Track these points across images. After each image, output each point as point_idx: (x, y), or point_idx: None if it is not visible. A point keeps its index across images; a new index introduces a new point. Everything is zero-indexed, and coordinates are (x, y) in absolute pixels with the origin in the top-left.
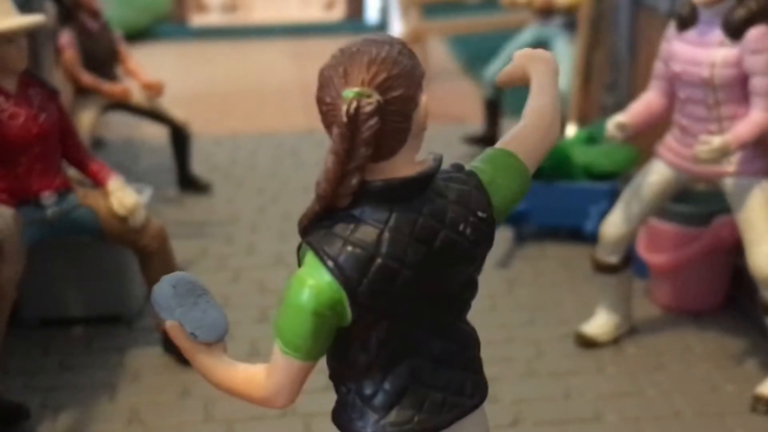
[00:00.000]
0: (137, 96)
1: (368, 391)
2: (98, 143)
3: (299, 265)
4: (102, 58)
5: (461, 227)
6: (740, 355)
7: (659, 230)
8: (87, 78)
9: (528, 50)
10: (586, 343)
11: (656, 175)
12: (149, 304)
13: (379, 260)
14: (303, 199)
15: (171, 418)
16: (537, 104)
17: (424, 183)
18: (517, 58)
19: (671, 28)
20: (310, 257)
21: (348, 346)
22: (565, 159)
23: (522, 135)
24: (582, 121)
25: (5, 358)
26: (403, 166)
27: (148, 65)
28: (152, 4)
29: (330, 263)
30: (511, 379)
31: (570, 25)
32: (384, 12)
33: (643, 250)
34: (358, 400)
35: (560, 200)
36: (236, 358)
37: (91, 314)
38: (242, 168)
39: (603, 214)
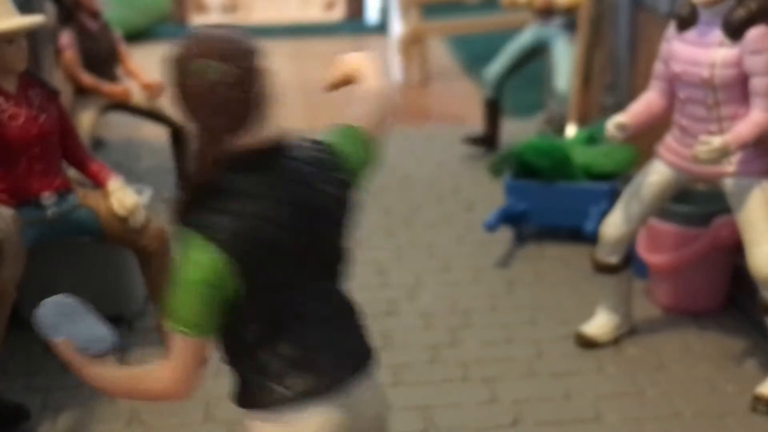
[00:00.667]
0: (137, 96)
1: (262, 361)
2: (98, 143)
3: (178, 249)
4: (102, 59)
5: (321, 187)
6: (740, 356)
7: (659, 230)
8: (87, 78)
9: (355, 55)
10: (587, 343)
11: (656, 175)
12: (149, 304)
13: (251, 222)
14: None
15: (171, 418)
16: (373, 86)
17: (279, 149)
18: (346, 61)
19: (671, 28)
20: (193, 236)
21: (237, 322)
22: (565, 159)
23: (363, 112)
24: (582, 121)
25: (5, 358)
26: (257, 136)
27: (148, 66)
28: (152, 5)
29: (214, 236)
30: (512, 379)
31: (570, 25)
32: (384, 12)
33: (643, 250)
34: (255, 373)
35: (560, 200)
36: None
37: None
38: None
39: (603, 215)
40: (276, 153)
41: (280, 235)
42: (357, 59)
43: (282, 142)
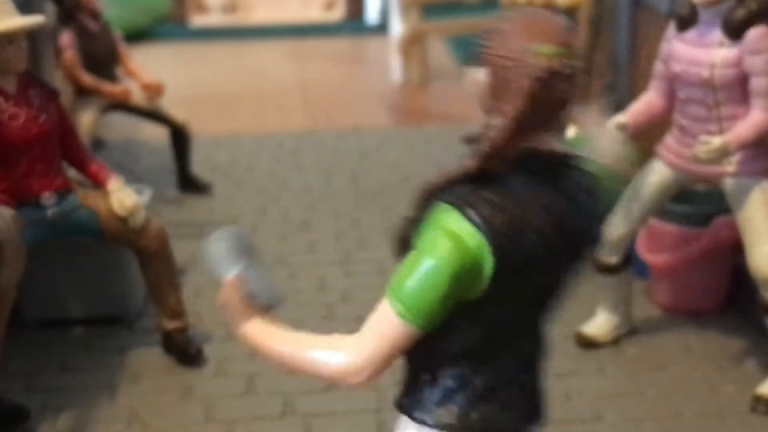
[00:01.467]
0: (137, 96)
1: (457, 381)
2: (98, 144)
3: (418, 228)
4: (102, 59)
5: (586, 216)
6: (740, 356)
7: (659, 230)
8: (87, 79)
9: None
10: (586, 343)
11: (656, 175)
12: (149, 304)
13: (529, 236)
14: (303, 200)
15: (171, 418)
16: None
17: (567, 161)
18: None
19: (671, 28)
20: (453, 214)
21: (453, 325)
22: None
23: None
24: None
25: (5, 359)
26: (547, 141)
27: (148, 66)
28: (152, 5)
29: (472, 213)
30: None
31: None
32: (384, 12)
33: (643, 250)
34: (440, 389)
35: None
36: (235, 358)
37: (92, 315)
38: (242, 168)
39: None
40: (562, 166)
41: (538, 246)
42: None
43: (569, 157)
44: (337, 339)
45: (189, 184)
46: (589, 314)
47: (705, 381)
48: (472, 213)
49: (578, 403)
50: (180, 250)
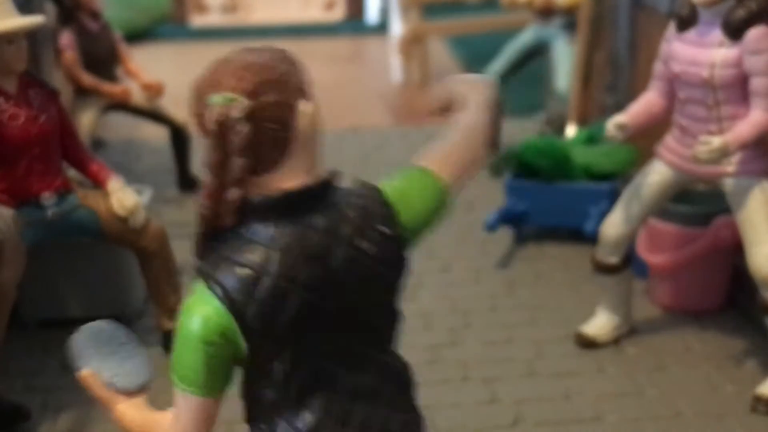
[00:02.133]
0: (137, 96)
1: (283, 428)
2: (98, 144)
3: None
4: (102, 59)
5: (357, 241)
6: (740, 356)
7: (659, 230)
8: (87, 79)
9: (466, 76)
10: (586, 343)
11: (656, 175)
12: (149, 304)
13: (266, 280)
14: None
15: None
16: (471, 120)
17: (311, 196)
18: (456, 83)
19: (671, 28)
20: (198, 284)
21: (253, 381)
22: (565, 159)
23: (448, 151)
24: (582, 121)
25: (5, 358)
26: (290, 179)
27: (148, 66)
28: (152, 5)
29: (216, 288)
30: (512, 380)
31: (570, 25)
32: (384, 12)
33: (643, 250)
34: None
35: (560, 200)
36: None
37: (92, 315)
38: None
39: (603, 215)
40: (303, 202)
41: (298, 293)
42: (465, 84)
43: (322, 188)
44: (161, 420)
45: (189, 184)
46: (589, 314)
47: (705, 381)
48: (208, 278)
49: (578, 403)
50: (180, 250)
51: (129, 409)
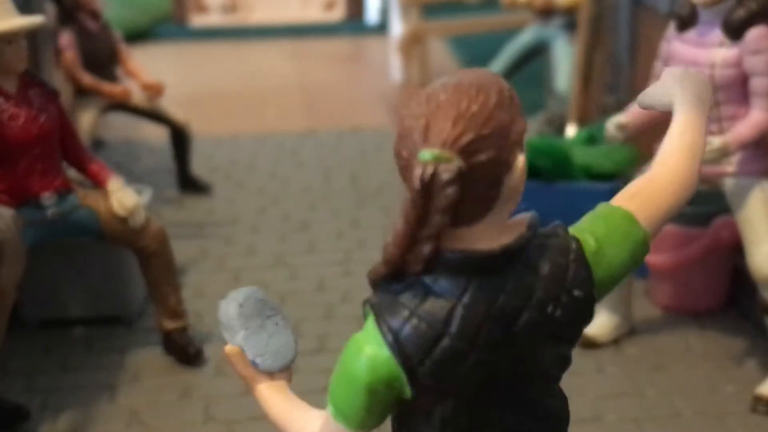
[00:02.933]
0: (137, 97)
1: None
2: (98, 144)
3: (364, 318)
4: (102, 59)
5: (550, 309)
6: (740, 356)
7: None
8: (87, 79)
9: (681, 72)
10: (586, 343)
11: None
12: (149, 304)
13: (446, 340)
14: (303, 200)
15: (171, 418)
16: (674, 148)
17: (509, 257)
18: (667, 77)
19: (671, 28)
20: (370, 322)
21: (410, 418)
22: (565, 159)
23: (650, 191)
24: (582, 121)
25: (5, 359)
26: (489, 233)
27: (148, 66)
28: (152, 5)
29: (390, 337)
30: None
31: (570, 25)
32: (384, 12)
33: None
34: None
35: (560, 200)
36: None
37: (92, 315)
38: (242, 169)
39: None
40: (506, 261)
41: (475, 355)
42: (671, 80)
43: (517, 248)
44: (306, 425)
45: (189, 184)
46: None
47: (705, 381)
48: (383, 324)
49: (578, 403)
50: (180, 251)
51: (271, 393)
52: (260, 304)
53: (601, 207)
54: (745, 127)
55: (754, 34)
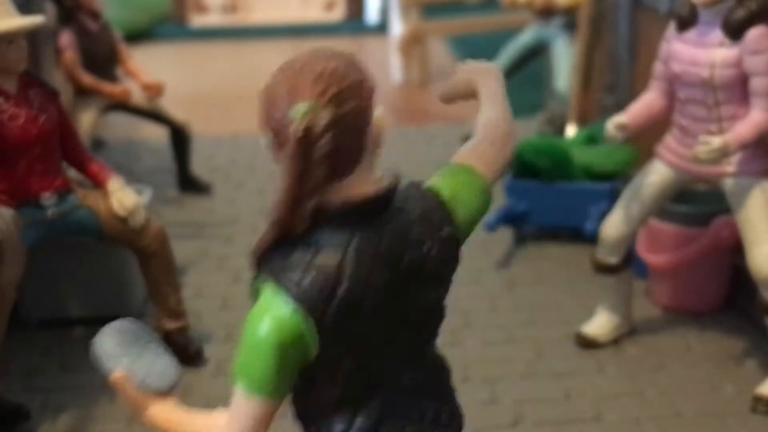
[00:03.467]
0: (137, 97)
1: (339, 429)
2: (98, 144)
3: (254, 299)
4: (102, 59)
5: (426, 247)
6: (740, 356)
7: (659, 230)
8: (87, 79)
9: (471, 64)
10: (587, 343)
11: (656, 175)
12: (149, 304)
13: (343, 286)
14: None
15: None
16: (491, 115)
17: (384, 201)
18: (461, 72)
19: (671, 28)
20: (268, 289)
21: (314, 382)
22: (565, 159)
23: (479, 149)
24: (582, 121)
25: (5, 359)
26: (360, 185)
27: (148, 66)
28: (152, 5)
29: (292, 292)
30: (512, 380)
31: (570, 25)
32: (384, 12)
33: (643, 250)
34: None
35: (560, 200)
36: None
37: (92, 315)
38: (242, 169)
39: (603, 215)
40: (377, 207)
41: (369, 296)
42: (474, 72)
43: (386, 193)
44: (213, 423)
45: (189, 184)
46: (589, 314)
47: (705, 381)
48: (283, 282)
49: (578, 403)
50: (180, 251)
51: (165, 411)
52: (135, 334)
53: (445, 167)
54: (745, 127)
55: (754, 34)
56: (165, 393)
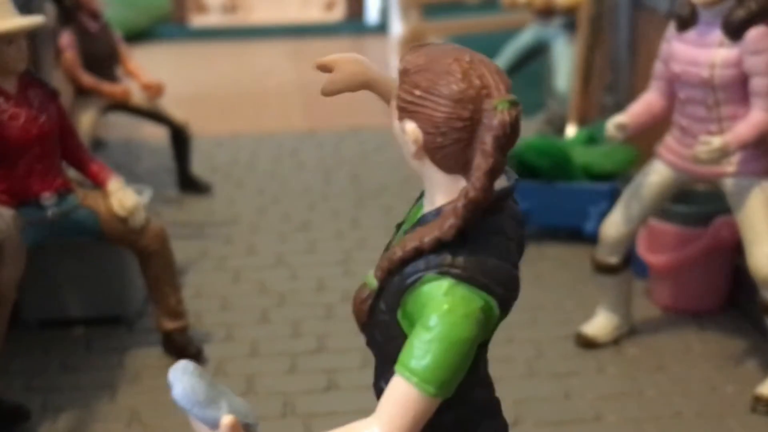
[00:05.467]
0: (137, 97)
1: (481, 401)
2: (98, 144)
3: (399, 296)
4: (102, 59)
5: (515, 236)
6: (740, 356)
7: (659, 230)
8: (87, 79)
9: (343, 56)
10: (586, 343)
11: (656, 175)
12: (149, 304)
13: (512, 270)
14: (303, 200)
15: (171, 418)
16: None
17: (505, 191)
18: (342, 63)
19: (671, 28)
20: (457, 286)
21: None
22: (565, 159)
23: None
24: (582, 121)
25: (6, 359)
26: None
27: (148, 66)
28: (152, 5)
29: (484, 281)
30: (512, 380)
31: (570, 25)
32: (384, 12)
33: (643, 250)
34: (474, 412)
35: (560, 200)
36: (235, 358)
37: (92, 315)
38: (242, 169)
39: (603, 215)
40: (505, 195)
41: (517, 279)
42: (360, 61)
43: (510, 186)
44: (365, 428)
45: (189, 184)
46: (589, 314)
47: (705, 381)
48: (475, 280)
49: (578, 403)
50: (180, 251)
51: None
52: (202, 373)
53: None
54: (745, 127)
55: (754, 34)
56: (256, 427)
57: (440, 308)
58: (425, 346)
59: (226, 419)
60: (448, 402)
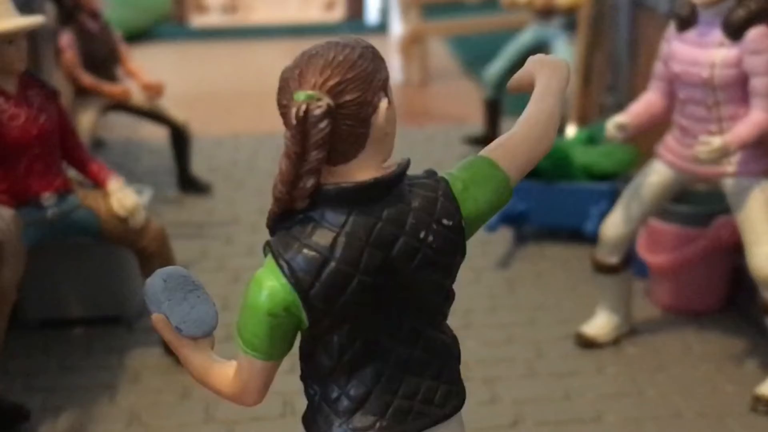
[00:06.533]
0: (137, 97)
1: (333, 394)
2: (98, 144)
3: (265, 257)
4: (102, 59)
5: (422, 235)
6: (740, 356)
7: (659, 230)
8: (87, 79)
9: (540, 56)
10: (586, 343)
11: (656, 175)
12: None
13: (332, 264)
14: None
15: (171, 419)
16: (532, 111)
17: (381, 188)
18: (529, 63)
19: (671, 28)
20: (268, 258)
21: (312, 349)
22: (565, 159)
23: (510, 143)
24: (582, 121)
25: (5, 359)
26: (364, 170)
27: (148, 66)
28: (152, 5)
29: (284, 265)
30: (512, 380)
31: (570, 25)
32: (384, 12)
33: (643, 251)
34: (324, 403)
35: (560, 200)
36: (235, 357)
37: (92, 315)
38: (242, 169)
39: (603, 215)
40: (374, 192)
41: (359, 277)
42: (537, 64)
43: (386, 180)
44: (225, 372)
45: (189, 184)
46: (589, 314)
47: (705, 381)
48: (278, 255)
49: (578, 403)
50: (180, 251)
51: (193, 355)
52: (182, 280)
53: (469, 157)
54: (745, 127)
55: (754, 34)
56: (198, 339)
57: (254, 274)
58: (241, 308)
59: (153, 317)
60: (307, 385)
